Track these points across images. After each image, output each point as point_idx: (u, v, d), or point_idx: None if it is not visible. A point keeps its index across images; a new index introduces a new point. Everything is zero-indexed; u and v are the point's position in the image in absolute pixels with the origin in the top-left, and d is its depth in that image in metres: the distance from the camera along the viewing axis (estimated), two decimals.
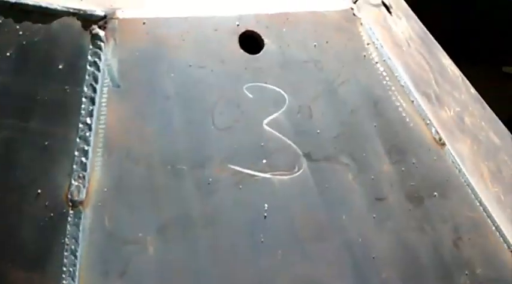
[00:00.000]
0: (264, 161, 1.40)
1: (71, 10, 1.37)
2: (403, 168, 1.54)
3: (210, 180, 1.34)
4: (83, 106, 1.30)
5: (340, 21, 1.61)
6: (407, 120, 1.60)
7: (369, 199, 1.47)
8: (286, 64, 1.50)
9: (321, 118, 1.49)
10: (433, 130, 1.62)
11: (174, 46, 1.40)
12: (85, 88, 1.31)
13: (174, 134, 1.34)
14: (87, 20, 1.36)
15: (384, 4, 1.90)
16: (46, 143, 1.31)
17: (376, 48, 1.63)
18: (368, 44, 1.62)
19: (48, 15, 1.37)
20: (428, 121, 1.62)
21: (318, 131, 1.48)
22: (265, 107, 1.44)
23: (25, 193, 1.30)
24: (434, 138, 1.61)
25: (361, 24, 1.63)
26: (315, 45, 1.55)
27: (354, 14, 1.63)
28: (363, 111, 1.55)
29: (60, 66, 1.34)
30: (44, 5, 1.38)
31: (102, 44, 1.34)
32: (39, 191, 1.29)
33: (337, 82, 1.54)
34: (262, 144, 1.41)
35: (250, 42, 1.49)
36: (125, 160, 1.29)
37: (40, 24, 1.37)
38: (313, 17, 1.58)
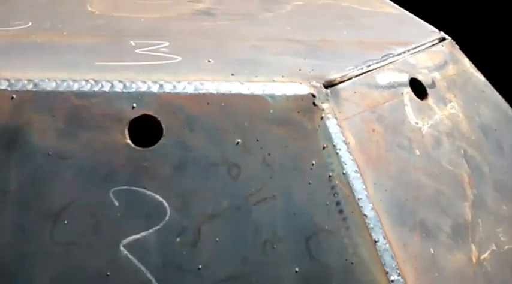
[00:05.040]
0: None
1: None
2: None
3: None
4: None
5: (289, 112, 1.14)
6: (356, 270, 1.04)
7: None
8: (185, 165, 1.09)
9: (212, 249, 1.04)
10: None
11: (40, 128, 1.11)
12: None
13: None
14: None
15: (414, 84, 1.34)
16: None
17: (337, 154, 1.11)
18: (325, 148, 1.12)
19: None
20: (395, 278, 1.04)
21: (200, 267, 1.04)
22: (132, 221, 1.06)
23: None
24: None
25: (322, 118, 1.14)
26: (237, 143, 1.11)
27: (314, 104, 1.15)
28: (282, 247, 1.05)
29: None
30: None
31: None
32: None
33: (254, 199, 1.08)
34: (108, 273, 1.03)
35: (145, 130, 1.13)
36: None
37: None
38: (247, 103, 1.14)
